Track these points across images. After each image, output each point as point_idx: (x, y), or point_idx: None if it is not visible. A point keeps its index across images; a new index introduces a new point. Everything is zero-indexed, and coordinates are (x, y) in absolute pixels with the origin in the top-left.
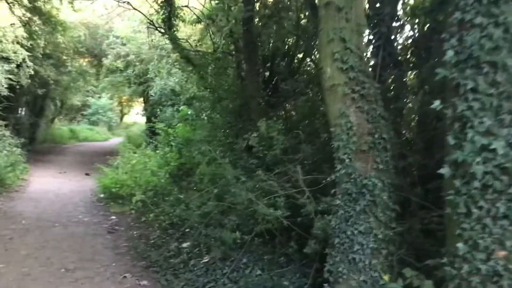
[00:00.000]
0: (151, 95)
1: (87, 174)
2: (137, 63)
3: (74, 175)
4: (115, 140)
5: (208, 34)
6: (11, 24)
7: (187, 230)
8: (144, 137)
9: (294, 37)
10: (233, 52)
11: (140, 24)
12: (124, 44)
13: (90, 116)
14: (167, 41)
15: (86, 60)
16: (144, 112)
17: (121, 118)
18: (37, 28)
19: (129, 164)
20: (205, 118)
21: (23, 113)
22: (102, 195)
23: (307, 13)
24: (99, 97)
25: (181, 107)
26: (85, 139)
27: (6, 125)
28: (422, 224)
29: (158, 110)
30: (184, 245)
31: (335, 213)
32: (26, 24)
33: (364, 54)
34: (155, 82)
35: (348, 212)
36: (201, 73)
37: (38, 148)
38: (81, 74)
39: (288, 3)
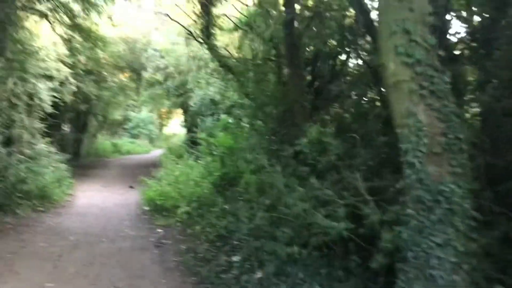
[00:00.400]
0: (191, 106)
1: (131, 187)
2: (176, 75)
3: (118, 188)
4: (156, 152)
5: (247, 41)
6: (53, 42)
7: (235, 242)
8: (185, 147)
9: (338, 37)
10: (274, 57)
11: (178, 36)
12: (162, 57)
13: (131, 130)
14: (206, 51)
15: (126, 75)
16: (184, 123)
17: (161, 130)
18: (78, 45)
19: (172, 176)
20: (247, 125)
21: (67, 129)
22: (146, 208)
23: (353, 11)
24: (139, 111)
25: (222, 116)
26: (127, 152)
27: (51, 142)
28: (503, 232)
29: (198, 120)
30: (234, 258)
31: (406, 224)
32: (67, 41)
33: (431, 46)
34: (194, 92)
35: (422, 222)
36: (241, 80)
37: (82, 163)
38: (121, 89)
39: (331, 2)
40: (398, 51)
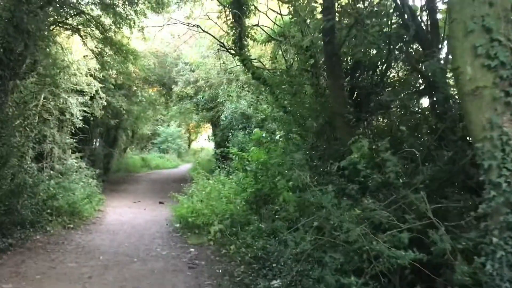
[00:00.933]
0: (222, 120)
1: (161, 203)
2: (207, 89)
3: (148, 204)
4: (185, 167)
5: (281, 52)
6: (84, 56)
7: (274, 265)
8: (214, 162)
9: (383, 45)
10: (310, 68)
11: (208, 50)
12: (193, 71)
13: (160, 144)
14: (237, 64)
15: (155, 89)
16: (213, 137)
17: (189, 145)
18: (108, 59)
19: (203, 192)
20: (281, 140)
21: (97, 144)
22: (177, 225)
23: (398, 16)
24: (168, 125)
25: (254, 130)
26: (156, 167)
27: (81, 157)
28: None
29: (229, 134)
30: (275, 283)
31: (491, 255)
32: (98, 55)
33: None
34: (225, 106)
35: None
36: (276, 92)
37: (112, 178)
38: (151, 103)
39: (375, 8)
40: (477, 53)
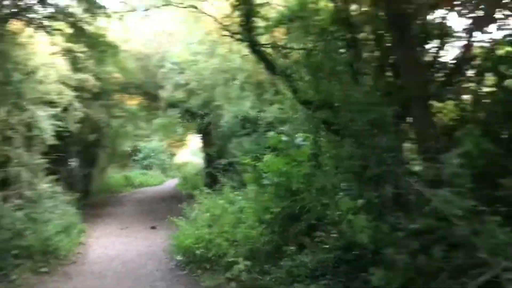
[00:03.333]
0: (221, 126)
1: (153, 228)
2: (200, 91)
3: (138, 230)
4: (170, 182)
5: (300, 32)
6: (51, 54)
7: None
8: (203, 177)
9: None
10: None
11: (200, 44)
12: (182, 72)
13: (142, 161)
14: (236, 59)
15: (137, 100)
16: (204, 149)
17: (171, 160)
18: (81, 54)
19: (210, 214)
20: (308, 143)
21: (75, 164)
22: (180, 258)
23: None
24: (149, 140)
25: (269, 134)
26: (140, 185)
27: (56, 180)
28: None
29: (228, 143)
30: None
31: None
32: (69, 53)
33: None
34: (224, 110)
35: None
36: (298, 83)
37: (93, 201)
38: (132, 116)
39: None
40: None
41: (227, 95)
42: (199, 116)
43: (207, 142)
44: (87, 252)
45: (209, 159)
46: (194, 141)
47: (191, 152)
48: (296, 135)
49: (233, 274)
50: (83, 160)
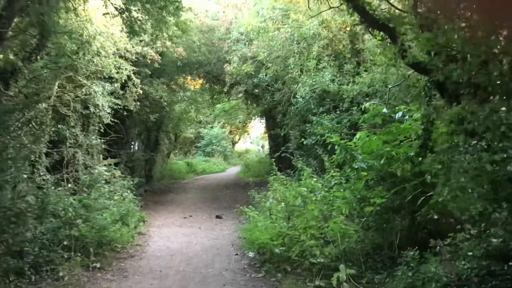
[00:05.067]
0: (297, 100)
1: (218, 217)
2: (270, 64)
3: (203, 220)
4: (232, 170)
5: None
6: (104, 15)
7: None
8: (268, 164)
9: None
10: None
11: (271, 10)
12: (250, 43)
13: (204, 147)
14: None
15: (200, 82)
16: (272, 131)
17: (233, 147)
18: (139, 14)
19: (291, 205)
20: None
21: (136, 147)
22: (253, 255)
23: None
24: (212, 127)
25: (365, 106)
26: (203, 171)
27: (117, 164)
28: None
29: (302, 122)
30: None
31: None
32: (124, 12)
33: None
34: (300, 82)
35: None
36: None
37: (156, 187)
38: (194, 101)
39: None
40: None
41: (302, 67)
42: (268, 92)
43: (274, 124)
44: (146, 243)
45: (277, 143)
46: (257, 128)
47: (253, 140)
48: (397, 109)
49: (334, 283)
50: (146, 145)
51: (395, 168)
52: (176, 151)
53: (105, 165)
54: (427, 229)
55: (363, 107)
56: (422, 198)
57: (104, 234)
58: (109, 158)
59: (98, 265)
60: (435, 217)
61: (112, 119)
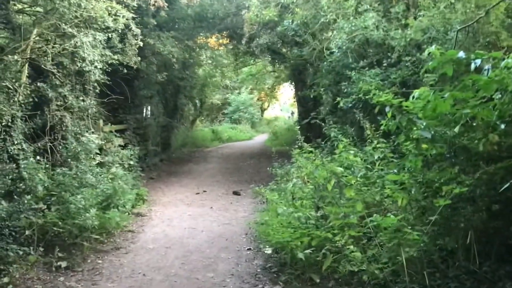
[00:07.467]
0: (332, 53)
1: (235, 193)
2: (297, 9)
3: (217, 196)
4: (260, 138)
5: None
6: None
7: None
8: (297, 132)
9: None
10: None
11: None
12: None
13: (231, 114)
14: None
15: (222, 42)
16: (301, 92)
17: (262, 114)
18: None
19: (321, 188)
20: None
21: (148, 112)
22: (269, 251)
23: None
24: (239, 93)
25: (428, 50)
26: (228, 139)
27: (123, 130)
28: None
29: (338, 80)
30: None
31: None
32: None
33: None
34: (336, 29)
35: None
36: None
37: (174, 156)
38: (217, 63)
39: None
40: None
41: (338, 12)
42: (296, 45)
43: (304, 87)
44: (142, 229)
45: (307, 108)
46: (287, 95)
47: (283, 107)
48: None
49: None
50: (162, 109)
51: (475, 139)
52: (202, 118)
53: (105, 132)
54: None
55: (426, 52)
56: None
57: (77, 222)
58: (110, 125)
59: (64, 264)
60: None
61: (111, 78)
